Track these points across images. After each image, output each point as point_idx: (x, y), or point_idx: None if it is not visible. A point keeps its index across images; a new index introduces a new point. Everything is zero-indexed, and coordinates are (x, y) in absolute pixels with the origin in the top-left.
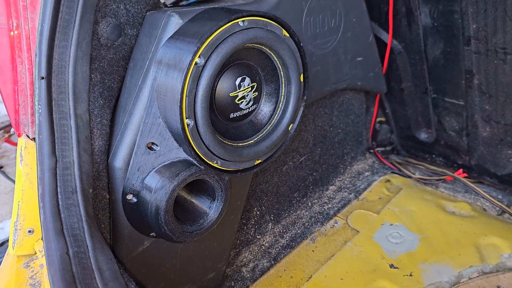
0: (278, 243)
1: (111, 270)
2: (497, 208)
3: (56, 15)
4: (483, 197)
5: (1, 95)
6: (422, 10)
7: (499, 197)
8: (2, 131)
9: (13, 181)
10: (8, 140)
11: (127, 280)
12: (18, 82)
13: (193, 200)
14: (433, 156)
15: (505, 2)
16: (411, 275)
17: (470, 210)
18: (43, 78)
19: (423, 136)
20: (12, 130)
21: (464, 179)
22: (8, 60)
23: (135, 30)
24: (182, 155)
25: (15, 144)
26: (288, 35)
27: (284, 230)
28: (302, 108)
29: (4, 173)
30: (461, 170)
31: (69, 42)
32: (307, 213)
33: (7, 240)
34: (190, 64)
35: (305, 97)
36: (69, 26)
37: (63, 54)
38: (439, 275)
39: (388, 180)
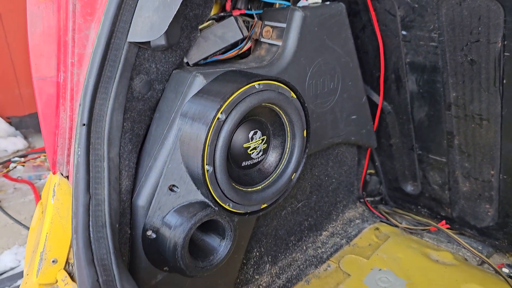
0: (275, 283)
1: None
2: (477, 258)
3: (101, 72)
4: (464, 247)
5: (43, 136)
6: (409, 77)
7: (479, 248)
8: (0, 166)
9: (10, 216)
10: (6, 175)
11: None
12: (59, 127)
13: (204, 238)
14: (419, 207)
15: (479, 76)
16: None
17: (452, 259)
18: (84, 125)
19: (409, 188)
20: (11, 165)
21: (447, 230)
22: (53, 108)
23: (162, 85)
24: (199, 197)
25: (13, 180)
26: (295, 96)
27: (281, 272)
28: (304, 160)
29: (1, 208)
30: (444, 221)
31: (108, 95)
32: (302, 256)
33: (1, 274)
34: (213, 118)
35: (307, 150)
36: (110, 82)
37: (103, 105)
38: None
39: (377, 228)
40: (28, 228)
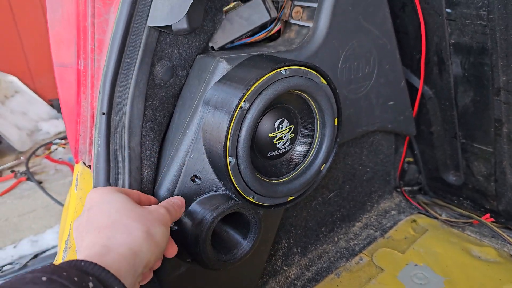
0: (304, 275)
1: None
2: None
3: (120, 59)
4: (510, 243)
5: (65, 125)
6: (453, 60)
7: None
8: (43, 148)
9: (51, 197)
10: (48, 157)
11: None
12: (81, 115)
13: (228, 231)
14: (461, 199)
15: None
16: None
17: (496, 255)
18: (104, 113)
19: (451, 178)
20: (53, 147)
21: (491, 224)
22: (74, 96)
23: (185, 72)
24: (222, 189)
25: (54, 161)
26: (325, 82)
27: (310, 263)
28: (335, 150)
29: (43, 188)
30: (488, 214)
31: (128, 82)
32: (333, 247)
33: (41, 252)
34: (236, 107)
35: (338, 140)
36: (130, 68)
37: (123, 92)
38: None
39: (414, 220)
40: None
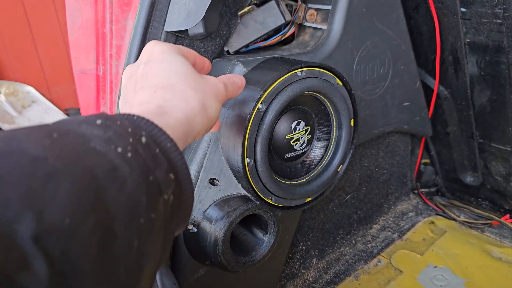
0: (322, 278)
1: None
2: None
3: None
4: None
5: None
6: (469, 59)
7: None
8: None
9: None
10: None
11: None
12: None
13: (246, 233)
14: (479, 199)
15: None
16: None
17: None
18: None
19: (468, 179)
20: None
21: (511, 225)
22: (93, 101)
23: None
24: (240, 190)
25: None
26: (341, 83)
27: (328, 266)
28: (351, 151)
29: None
30: (508, 215)
31: None
32: (350, 250)
33: None
34: (253, 109)
35: (354, 141)
36: None
37: None
38: None
39: (432, 222)
40: None
